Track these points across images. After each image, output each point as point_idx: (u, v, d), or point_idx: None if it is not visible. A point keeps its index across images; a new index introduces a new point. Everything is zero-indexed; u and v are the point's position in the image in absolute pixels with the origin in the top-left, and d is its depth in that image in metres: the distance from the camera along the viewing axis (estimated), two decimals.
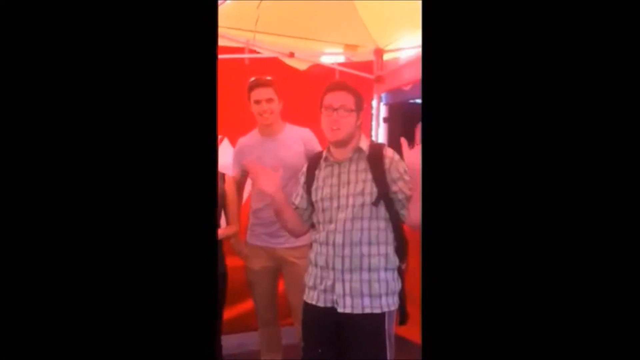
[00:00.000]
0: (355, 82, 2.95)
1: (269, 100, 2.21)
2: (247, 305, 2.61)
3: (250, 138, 2.36)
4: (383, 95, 3.49)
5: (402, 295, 1.69)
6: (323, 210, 1.69)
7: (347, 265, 1.62)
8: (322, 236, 1.68)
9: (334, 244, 1.63)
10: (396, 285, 1.66)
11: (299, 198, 1.79)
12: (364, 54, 3.32)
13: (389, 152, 1.66)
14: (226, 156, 2.45)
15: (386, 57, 3.34)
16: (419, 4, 1.11)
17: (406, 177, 1.59)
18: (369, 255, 1.61)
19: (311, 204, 1.75)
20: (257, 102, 2.22)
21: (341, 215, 1.63)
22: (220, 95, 1.09)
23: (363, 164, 1.67)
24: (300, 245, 2.20)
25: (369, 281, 1.61)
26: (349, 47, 3.31)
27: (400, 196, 1.61)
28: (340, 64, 3.24)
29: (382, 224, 1.63)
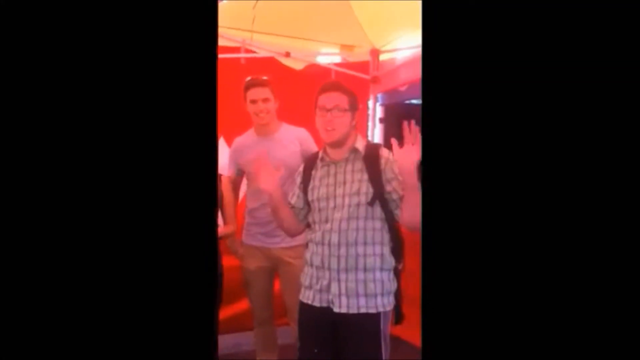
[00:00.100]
0: (351, 82, 2.96)
1: (265, 100, 2.21)
2: (242, 305, 2.61)
3: (246, 138, 2.36)
4: (379, 95, 3.49)
5: (397, 295, 1.69)
6: (319, 210, 1.69)
7: (342, 265, 1.62)
8: (318, 236, 1.68)
9: (329, 244, 1.63)
10: (392, 286, 1.66)
11: (295, 197, 1.80)
12: (360, 54, 3.33)
13: (385, 153, 1.66)
14: (222, 156, 2.45)
15: (382, 57, 3.34)
16: (417, 5, 1.11)
17: (400, 178, 1.60)
18: (365, 255, 1.62)
19: (307, 203, 1.76)
20: (253, 101, 2.22)
21: (337, 215, 1.64)
22: (217, 95, 1.09)
23: (359, 164, 1.67)
24: (295, 245, 2.20)
25: (365, 281, 1.61)
26: (345, 48, 3.31)
27: (394, 196, 1.61)
28: (336, 64, 3.25)
29: (378, 224, 1.63)
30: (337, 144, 1.68)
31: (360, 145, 1.69)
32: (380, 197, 1.61)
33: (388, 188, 1.62)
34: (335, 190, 1.67)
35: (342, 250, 1.62)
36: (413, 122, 1.47)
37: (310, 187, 1.74)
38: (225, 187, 2.26)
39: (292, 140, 2.26)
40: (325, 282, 1.65)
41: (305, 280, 1.73)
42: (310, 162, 1.79)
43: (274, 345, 2.43)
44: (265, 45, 2.97)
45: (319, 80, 2.28)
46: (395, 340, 1.88)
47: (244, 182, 2.45)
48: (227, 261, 2.26)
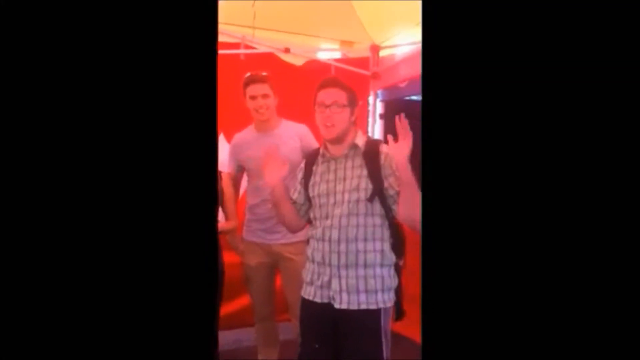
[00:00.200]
0: (351, 78, 2.95)
1: (265, 96, 2.21)
2: (243, 301, 2.61)
3: (246, 134, 2.36)
4: (379, 91, 3.48)
5: (398, 292, 1.69)
6: (320, 206, 1.69)
7: (342, 261, 1.62)
8: (318, 232, 1.68)
9: (330, 240, 1.64)
10: (392, 282, 1.66)
11: (296, 193, 1.80)
12: (360, 50, 3.32)
13: (385, 148, 1.66)
14: (222, 152, 2.45)
15: (382, 53, 3.34)
16: (417, 1, 1.10)
17: (398, 173, 1.60)
18: (365, 252, 1.62)
19: (308, 199, 1.76)
20: (253, 97, 2.21)
21: (337, 212, 1.64)
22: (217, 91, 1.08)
23: (359, 160, 1.67)
24: (296, 241, 2.20)
25: (365, 277, 1.61)
26: (345, 44, 3.30)
27: (391, 192, 1.61)
28: (336, 60, 3.24)
29: (378, 220, 1.64)
30: (337, 140, 1.68)
31: (360, 141, 1.69)
32: (379, 193, 1.62)
33: (385, 184, 1.62)
34: (335, 186, 1.67)
35: (342, 247, 1.62)
36: (402, 116, 1.47)
37: (311, 183, 1.74)
38: (225, 183, 2.26)
39: (292, 137, 2.26)
40: (326, 278, 1.65)
41: (306, 276, 1.73)
42: (311, 158, 1.79)
43: (275, 341, 2.44)
44: (264, 41, 2.97)
45: (318, 76, 2.28)
46: (396, 337, 1.88)
47: (244, 178, 2.44)
48: (228, 257, 2.26)
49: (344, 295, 1.62)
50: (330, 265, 1.64)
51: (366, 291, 1.61)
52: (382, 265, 1.64)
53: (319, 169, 1.74)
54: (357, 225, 1.62)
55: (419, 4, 1.08)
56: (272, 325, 2.42)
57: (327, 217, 1.66)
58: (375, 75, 3.31)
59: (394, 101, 3.70)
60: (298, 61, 3.13)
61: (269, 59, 2.97)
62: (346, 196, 1.63)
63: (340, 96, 1.65)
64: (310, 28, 3.10)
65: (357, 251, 1.61)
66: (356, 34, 3.19)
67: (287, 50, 3.04)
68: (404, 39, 3.15)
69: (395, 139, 1.49)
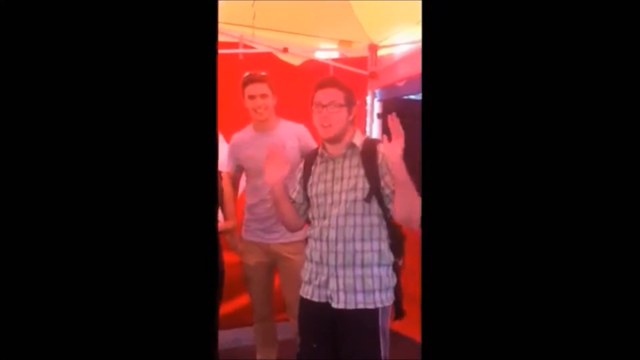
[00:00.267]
0: (349, 78, 2.96)
1: (263, 96, 2.21)
2: (242, 300, 2.62)
3: (245, 134, 2.36)
4: (377, 91, 3.48)
5: (397, 291, 1.69)
6: (318, 206, 1.70)
7: (340, 261, 1.62)
8: (316, 232, 1.69)
9: (327, 240, 1.64)
10: (390, 281, 1.66)
11: (295, 193, 1.80)
12: (358, 50, 3.32)
13: (382, 148, 1.66)
14: (221, 152, 2.45)
15: (380, 53, 3.33)
16: (416, 0, 1.11)
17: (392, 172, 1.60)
18: (362, 251, 1.62)
19: (307, 199, 1.76)
20: (252, 97, 2.22)
21: (334, 211, 1.64)
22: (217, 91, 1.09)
23: (356, 160, 1.67)
24: (294, 241, 2.20)
25: (362, 277, 1.62)
26: (343, 43, 3.30)
27: (387, 191, 1.61)
28: (334, 60, 3.24)
29: (376, 220, 1.64)
30: (335, 140, 1.68)
31: (358, 140, 1.70)
32: (376, 192, 1.62)
33: (382, 183, 1.62)
34: (333, 186, 1.67)
35: (340, 246, 1.62)
36: (394, 114, 1.47)
37: (309, 183, 1.75)
38: (225, 184, 2.26)
39: (290, 136, 2.26)
40: (323, 278, 1.65)
41: (305, 275, 1.73)
42: (310, 158, 1.80)
43: (273, 340, 2.44)
44: (263, 41, 2.97)
45: (317, 75, 2.28)
46: (395, 336, 1.88)
47: (243, 178, 2.44)
48: (227, 257, 2.26)
49: (341, 295, 1.62)
50: (327, 264, 1.64)
51: (363, 291, 1.61)
52: (379, 265, 1.64)
53: (317, 168, 1.74)
54: (354, 225, 1.62)
55: (418, 4, 1.08)
56: (270, 324, 2.43)
57: (324, 217, 1.67)
58: (373, 75, 3.31)
59: (392, 100, 3.70)
60: (296, 61, 3.13)
61: (267, 59, 2.97)
62: (343, 196, 1.64)
63: (338, 96, 1.66)
64: (308, 28, 3.10)
65: (355, 251, 1.62)
66: (354, 33, 3.19)
67: (285, 50, 3.04)
68: (402, 38, 3.15)
69: (389, 138, 1.49)
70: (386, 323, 1.66)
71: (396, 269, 1.69)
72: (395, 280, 1.68)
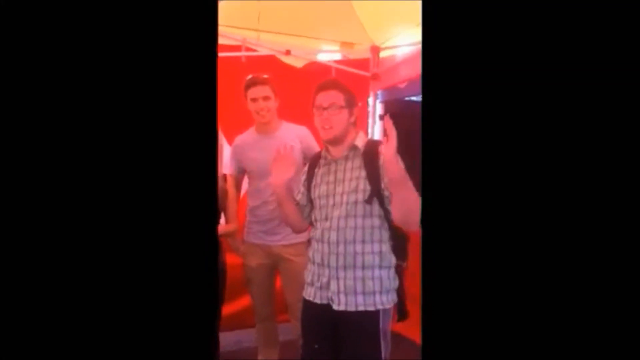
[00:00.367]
0: (351, 79, 2.96)
1: (266, 98, 2.22)
2: (243, 302, 2.62)
3: (247, 136, 2.37)
4: (379, 92, 3.49)
5: (400, 293, 1.68)
6: (320, 207, 1.70)
7: (341, 262, 1.62)
8: (318, 233, 1.69)
9: (328, 242, 1.64)
10: (391, 283, 1.66)
11: (299, 195, 1.81)
12: (361, 52, 3.33)
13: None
14: (223, 154, 2.46)
15: (382, 54, 3.34)
16: (416, 1, 1.11)
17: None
18: (363, 253, 1.62)
19: (311, 201, 1.77)
20: (254, 100, 2.22)
21: (336, 213, 1.64)
22: (218, 93, 1.09)
23: (358, 162, 1.67)
24: (295, 243, 2.21)
25: (363, 279, 1.61)
26: (346, 45, 3.31)
27: (386, 193, 1.61)
28: (336, 62, 3.25)
29: (377, 222, 1.63)
30: (336, 142, 1.69)
31: (360, 142, 1.70)
32: (378, 194, 1.62)
33: (382, 185, 1.62)
34: (335, 188, 1.68)
35: (341, 248, 1.62)
36: (387, 116, 1.48)
37: (312, 184, 1.75)
38: (230, 186, 2.26)
39: (292, 139, 2.27)
40: (325, 280, 1.66)
41: (307, 277, 1.74)
42: (314, 160, 1.81)
43: (275, 341, 2.45)
44: (265, 43, 2.98)
45: (319, 77, 2.28)
46: (397, 338, 1.88)
47: (245, 180, 2.45)
48: (229, 259, 2.27)
49: (342, 297, 1.62)
50: (329, 266, 1.65)
51: (364, 293, 1.61)
52: (380, 267, 1.63)
53: (320, 170, 1.75)
54: (355, 227, 1.62)
55: (420, 4, 1.08)
56: (272, 325, 2.43)
57: (326, 219, 1.67)
58: (375, 76, 3.31)
59: (394, 102, 3.71)
60: (299, 63, 3.14)
61: (269, 61, 2.98)
62: (345, 198, 1.64)
63: (338, 98, 1.66)
64: (310, 30, 3.11)
65: (355, 253, 1.62)
66: (356, 35, 3.19)
67: (287, 53, 3.05)
68: (404, 39, 3.16)
69: (385, 138, 1.49)
70: (387, 325, 1.66)
71: (399, 271, 1.69)
72: (397, 282, 1.68)
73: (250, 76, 2.27)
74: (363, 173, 1.64)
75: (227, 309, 2.49)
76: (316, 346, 1.69)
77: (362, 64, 3.32)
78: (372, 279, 1.62)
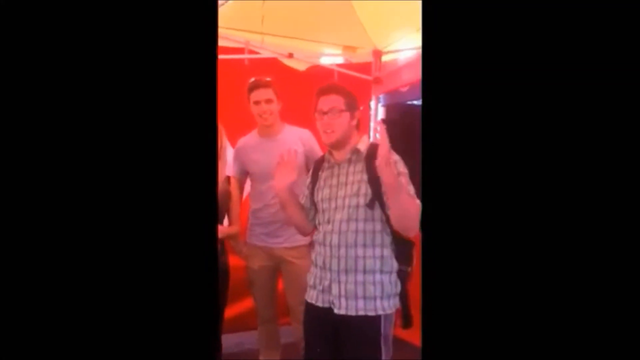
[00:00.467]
0: (353, 83, 2.97)
1: (268, 101, 2.23)
2: (245, 304, 2.62)
3: (250, 138, 2.38)
4: (381, 96, 3.50)
5: (404, 299, 1.67)
6: (323, 210, 1.71)
7: (342, 266, 1.62)
8: (320, 236, 1.70)
9: (330, 245, 1.64)
10: (393, 288, 1.65)
11: (304, 198, 1.82)
12: (363, 55, 3.33)
13: None
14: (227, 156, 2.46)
15: (385, 58, 3.35)
16: (418, 6, 1.11)
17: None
18: (364, 257, 1.61)
19: (314, 204, 1.77)
20: (257, 102, 2.23)
21: (338, 216, 1.65)
22: (220, 96, 1.09)
23: (360, 165, 1.67)
24: (297, 245, 2.22)
25: (364, 283, 1.61)
26: (348, 49, 3.32)
27: (385, 197, 1.61)
28: (338, 65, 3.25)
29: (378, 226, 1.63)
30: (338, 145, 1.69)
31: (362, 145, 1.70)
32: (379, 198, 1.61)
33: (383, 188, 1.62)
34: (337, 191, 1.68)
35: (342, 252, 1.62)
36: (381, 121, 1.48)
37: (316, 188, 1.76)
38: (234, 189, 2.27)
39: (295, 141, 2.27)
40: (326, 283, 1.66)
41: (310, 279, 1.74)
42: (318, 164, 1.81)
43: (277, 344, 2.44)
44: (268, 46, 2.99)
45: (321, 81, 2.29)
46: (400, 343, 1.87)
47: (247, 182, 2.46)
48: (232, 261, 2.27)
49: (343, 301, 1.62)
50: (330, 269, 1.65)
51: (364, 297, 1.60)
52: (382, 272, 1.62)
53: (323, 173, 1.76)
54: (357, 231, 1.62)
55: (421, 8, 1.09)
56: (274, 328, 2.43)
57: (328, 222, 1.67)
58: (377, 80, 3.32)
59: (395, 105, 3.72)
60: (301, 66, 3.15)
61: (272, 64, 2.99)
62: (347, 201, 1.64)
63: (338, 102, 1.67)
64: (313, 33, 3.11)
65: (356, 257, 1.61)
66: (359, 39, 3.20)
67: (290, 56, 3.06)
68: (406, 43, 3.16)
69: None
70: (389, 330, 1.65)
71: (402, 276, 1.67)
72: (399, 287, 1.66)
73: (253, 79, 2.28)
74: (365, 176, 1.64)
75: (230, 311, 2.49)
76: (318, 349, 1.69)
77: (364, 67, 3.32)
78: (373, 283, 1.61)
